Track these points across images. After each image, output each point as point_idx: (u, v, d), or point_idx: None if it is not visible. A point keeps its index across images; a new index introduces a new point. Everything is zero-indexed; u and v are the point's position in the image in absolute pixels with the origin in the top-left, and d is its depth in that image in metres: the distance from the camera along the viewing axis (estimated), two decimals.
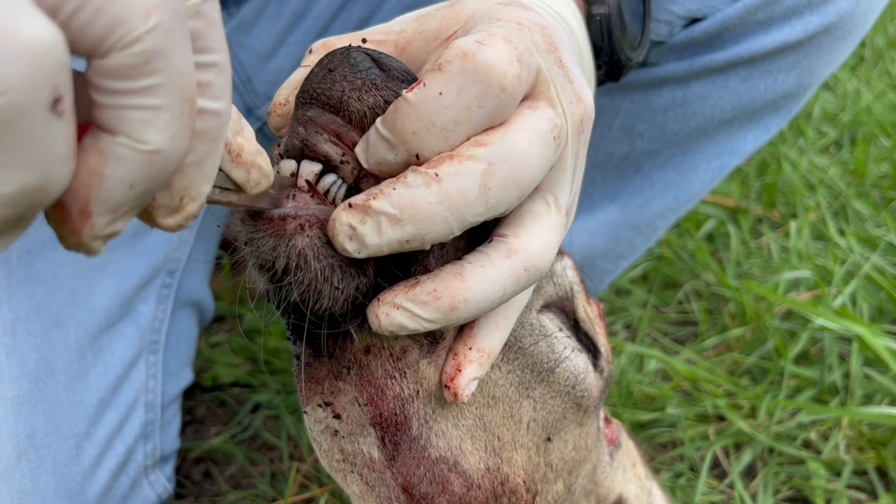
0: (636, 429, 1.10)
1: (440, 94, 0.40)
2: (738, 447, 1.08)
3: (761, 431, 1.07)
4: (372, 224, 0.40)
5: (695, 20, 0.79)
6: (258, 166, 0.37)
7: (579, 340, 0.59)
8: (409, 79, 0.45)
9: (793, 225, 1.44)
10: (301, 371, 0.50)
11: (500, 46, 0.40)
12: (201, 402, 1.19)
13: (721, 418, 1.12)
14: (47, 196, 0.26)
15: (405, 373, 0.48)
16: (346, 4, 0.95)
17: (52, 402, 0.84)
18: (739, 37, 0.79)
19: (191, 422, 1.16)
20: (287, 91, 0.49)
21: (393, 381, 0.48)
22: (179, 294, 0.99)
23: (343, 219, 0.40)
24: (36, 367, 0.84)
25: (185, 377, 1.01)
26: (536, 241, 0.44)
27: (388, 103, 0.43)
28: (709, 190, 0.92)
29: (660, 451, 1.09)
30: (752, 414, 1.11)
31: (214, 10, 0.30)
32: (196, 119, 0.30)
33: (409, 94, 0.40)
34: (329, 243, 0.42)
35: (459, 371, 0.47)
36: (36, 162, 0.25)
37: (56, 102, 0.25)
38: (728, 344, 1.25)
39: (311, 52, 0.48)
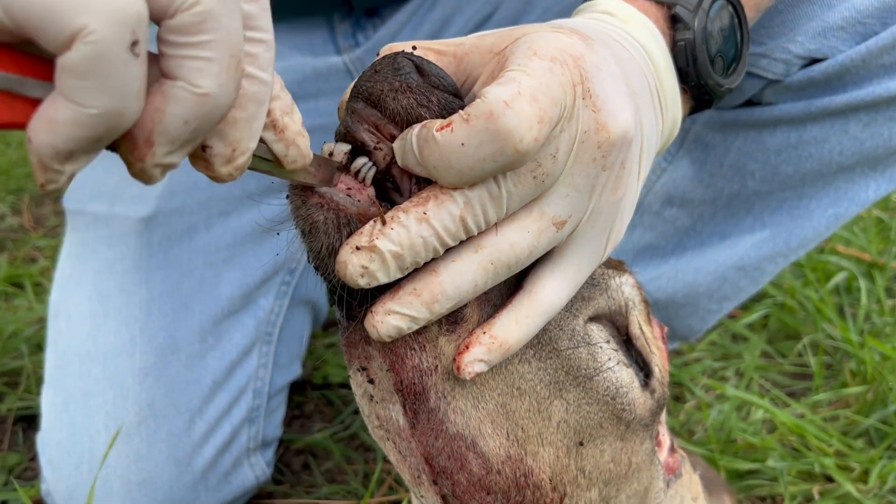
0: (733, 478, 1.07)
1: (462, 144, 0.44)
2: None
3: (871, 497, 1.01)
4: (378, 261, 0.46)
5: (814, 60, 0.77)
6: (297, 145, 0.43)
7: (629, 356, 0.59)
8: (445, 85, 0.49)
9: None
10: (342, 334, 0.55)
11: (524, 109, 0.44)
12: (310, 398, 1.26)
13: (828, 479, 1.06)
14: (123, 122, 0.33)
15: (424, 346, 0.52)
16: (474, 31, 0.99)
17: (173, 377, 0.93)
18: (862, 80, 0.76)
19: (299, 416, 1.23)
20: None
21: (412, 351, 0.52)
22: (297, 292, 1.06)
23: (355, 261, 0.46)
24: (163, 343, 0.93)
25: (294, 371, 1.08)
26: (503, 239, 0.48)
27: (420, 105, 0.48)
28: (823, 238, 0.89)
29: None
30: (863, 478, 1.05)
31: None
32: (246, 82, 0.37)
33: (438, 135, 0.45)
34: (339, 229, 0.48)
35: (467, 348, 0.51)
36: (116, 90, 0.32)
37: (133, 45, 0.32)
38: (846, 401, 1.18)
39: (378, 55, 0.53)
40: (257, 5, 0.37)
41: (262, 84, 0.38)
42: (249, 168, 0.43)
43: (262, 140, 0.43)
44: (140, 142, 0.36)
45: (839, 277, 1.42)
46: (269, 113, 0.41)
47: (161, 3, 0.33)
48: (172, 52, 0.34)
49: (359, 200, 0.49)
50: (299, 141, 0.43)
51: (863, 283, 1.38)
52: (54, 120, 0.32)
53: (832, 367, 1.26)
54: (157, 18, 0.34)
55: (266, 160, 0.44)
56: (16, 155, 2.01)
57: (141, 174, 0.37)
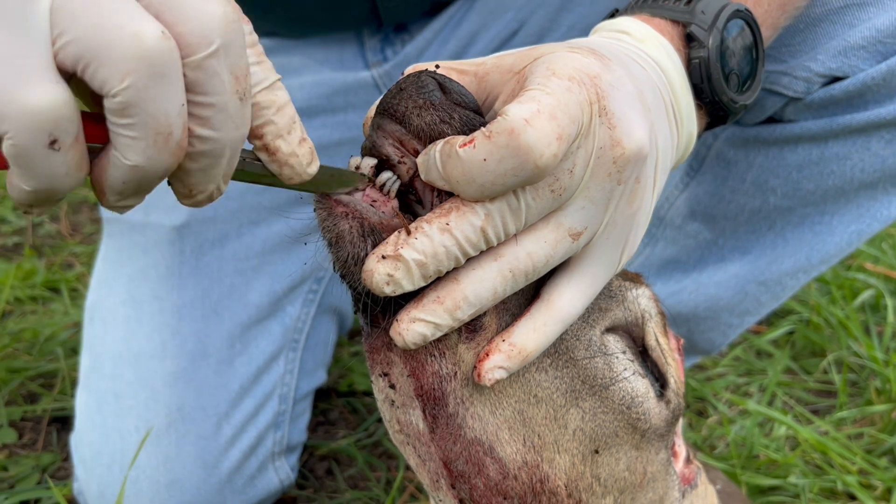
0: (755, 494, 1.07)
1: (484, 159, 0.46)
2: None
3: None
4: (403, 270, 0.48)
5: (835, 79, 0.78)
6: (290, 165, 0.46)
7: (645, 367, 0.60)
8: (467, 102, 0.51)
9: None
10: (365, 341, 0.57)
11: (544, 126, 0.46)
12: (335, 405, 1.28)
13: (851, 497, 1.06)
14: (58, 194, 0.39)
15: (444, 353, 0.54)
16: (500, 48, 1.01)
17: (202, 381, 0.95)
18: (884, 98, 0.77)
19: (323, 422, 1.25)
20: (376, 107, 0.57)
21: (432, 358, 0.54)
22: (323, 300, 1.08)
23: (381, 270, 0.48)
24: (193, 348, 0.96)
25: (319, 377, 1.10)
26: (521, 248, 0.50)
27: (443, 122, 0.50)
28: (845, 254, 0.89)
29: None
30: (886, 496, 1.04)
31: (215, 63, 0.40)
32: (197, 142, 0.41)
33: (461, 150, 0.47)
34: (364, 238, 0.50)
35: (487, 356, 0.53)
36: (42, 177, 0.38)
37: (52, 143, 0.37)
38: (870, 419, 1.18)
39: (403, 74, 0.55)
40: (203, 72, 0.39)
41: (214, 142, 0.41)
42: (254, 182, 0.46)
43: (259, 159, 0.46)
44: (97, 189, 0.41)
45: (866, 295, 1.41)
46: (261, 137, 0.45)
47: (93, 86, 0.37)
48: (109, 125, 0.39)
49: (383, 212, 0.51)
50: (292, 161, 0.46)
51: (890, 301, 1.37)
52: (11, 183, 0.39)
53: (857, 384, 1.26)
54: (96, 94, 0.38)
55: (269, 176, 0.47)
56: None
57: (109, 208, 0.43)
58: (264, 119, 0.44)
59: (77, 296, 1.51)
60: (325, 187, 0.51)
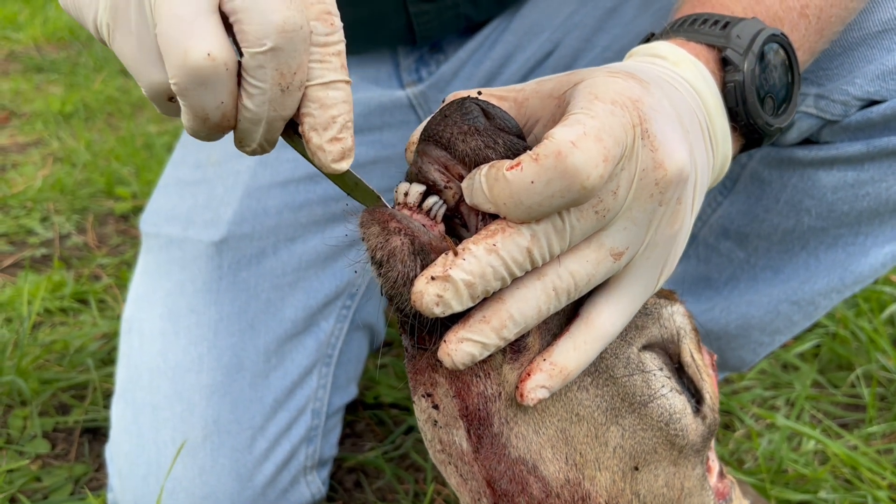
0: None
1: (531, 182, 0.47)
2: None
3: None
4: (452, 290, 0.49)
5: (872, 102, 0.79)
6: (317, 156, 0.51)
7: (681, 383, 0.61)
8: (510, 127, 0.52)
9: None
10: (409, 362, 0.58)
11: (590, 148, 0.47)
12: (362, 418, 1.29)
13: None
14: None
15: (489, 374, 0.55)
16: (535, 68, 1.02)
17: (237, 394, 0.97)
18: None
19: (350, 434, 1.26)
20: (419, 133, 0.59)
21: (478, 378, 0.55)
22: (356, 316, 1.09)
23: (430, 291, 0.49)
24: (229, 362, 0.97)
25: (351, 392, 1.11)
26: (563, 268, 0.51)
27: (487, 147, 0.51)
28: (879, 275, 0.89)
29: None
30: None
31: (263, 59, 0.47)
32: (242, 109, 0.50)
33: (508, 174, 0.48)
34: (414, 257, 0.51)
35: (529, 375, 0.54)
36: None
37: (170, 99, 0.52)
38: None
39: (444, 101, 0.57)
40: (255, 62, 0.48)
41: (254, 114, 0.50)
42: (304, 157, 0.53)
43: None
44: None
45: (894, 308, 1.41)
46: (301, 123, 0.51)
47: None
48: None
49: (431, 235, 0.52)
50: (319, 153, 0.51)
51: None
52: None
53: (886, 398, 1.26)
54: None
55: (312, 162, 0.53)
56: (81, 176, 2.08)
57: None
58: (306, 110, 0.50)
59: (105, 307, 1.53)
60: (349, 191, 0.55)
